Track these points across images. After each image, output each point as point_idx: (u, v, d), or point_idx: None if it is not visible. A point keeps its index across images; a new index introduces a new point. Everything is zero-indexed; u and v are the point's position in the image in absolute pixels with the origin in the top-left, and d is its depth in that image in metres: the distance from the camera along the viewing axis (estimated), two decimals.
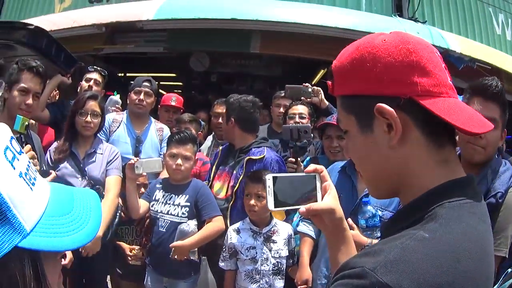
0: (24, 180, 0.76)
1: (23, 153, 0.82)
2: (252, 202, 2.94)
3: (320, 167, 1.19)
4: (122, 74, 10.17)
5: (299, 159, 3.37)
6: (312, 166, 1.19)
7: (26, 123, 2.04)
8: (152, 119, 4.02)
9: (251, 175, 3.05)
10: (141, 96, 3.80)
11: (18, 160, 0.77)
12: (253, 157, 3.27)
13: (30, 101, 2.75)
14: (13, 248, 0.69)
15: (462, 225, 0.79)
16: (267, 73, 8.35)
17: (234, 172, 3.33)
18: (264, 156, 3.25)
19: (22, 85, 2.75)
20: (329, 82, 0.98)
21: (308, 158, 3.55)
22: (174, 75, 10.32)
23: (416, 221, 0.82)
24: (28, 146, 1.99)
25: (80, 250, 2.82)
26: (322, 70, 8.20)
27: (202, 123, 4.55)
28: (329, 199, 1.15)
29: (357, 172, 2.63)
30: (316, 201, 1.16)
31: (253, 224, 3.02)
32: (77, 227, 0.80)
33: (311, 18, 6.39)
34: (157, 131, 3.92)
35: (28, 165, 0.80)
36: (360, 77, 0.88)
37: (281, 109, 4.19)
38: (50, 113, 3.72)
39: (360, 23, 6.45)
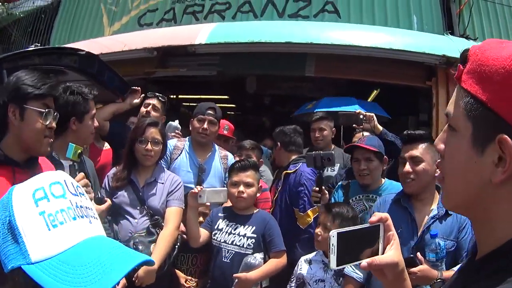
0: (44, 219, 0.81)
1: (65, 198, 0.86)
2: (318, 230, 2.88)
3: (385, 215, 1.13)
4: (174, 96, 10.26)
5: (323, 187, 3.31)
6: (377, 215, 1.12)
7: (79, 151, 2.02)
8: (216, 147, 3.83)
9: (326, 205, 3.00)
10: (205, 125, 3.58)
11: (48, 201, 0.83)
12: (289, 171, 3.70)
13: (97, 123, 2.87)
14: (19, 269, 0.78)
15: None
16: (320, 94, 8.26)
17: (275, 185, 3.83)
18: (297, 169, 3.65)
19: (94, 112, 2.80)
20: (460, 66, 0.84)
21: (340, 183, 3.49)
22: (226, 97, 10.30)
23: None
24: (81, 174, 1.99)
25: (133, 279, 2.74)
26: (375, 91, 8.17)
27: (269, 150, 4.49)
28: (392, 251, 1.09)
29: (413, 203, 2.59)
30: (378, 252, 1.10)
31: (326, 257, 2.88)
32: (83, 281, 0.81)
33: (364, 40, 6.38)
34: (221, 159, 3.73)
35: (61, 210, 0.84)
36: (507, 95, 0.75)
37: (317, 133, 4.27)
38: (110, 128, 3.75)
39: (413, 43, 6.41)
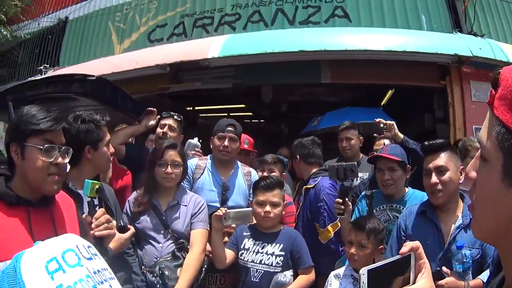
0: None
1: (81, 266, 0.83)
2: (353, 251, 2.78)
3: (416, 244, 1.10)
4: (191, 108, 10.27)
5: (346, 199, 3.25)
6: (408, 246, 1.09)
7: (97, 186, 1.93)
8: (239, 163, 3.75)
9: (355, 222, 2.94)
10: (226, 142, 3.49)
11: (64, 272, 0.79)
12: (308, 186, 3.68)
13: (113, 149, 2.74)
14: None
15: None
16: (336, 99, 8.33)
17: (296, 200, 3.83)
18: (316, 184, 3.63)
19: (108, 138, 2.67)
20: (492, 91, 0.79)
21: (363, 193, 3.43)
22: (243, 106, 10.33)
23: None
24: (101, 211, 1.91)
25: None
26: (390, 91, 8.18)
27: (285, 160, 4.39)
28: (423, 280, 1.06)
29: (438, 214, 2.55)
30: (409, 281, 1.07)
31: (355, 271, 2.84)
32: None
33: (378, 43, 6.40)
34: (244, 175, 3.65)
35: (79, 279, 0.81)
36: None
37: (344, 143, 4.24)
38: (127, 151, 3.68)
39: (425, 44, 6.45)
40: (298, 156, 3.93)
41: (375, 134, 3.85)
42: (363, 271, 1.03)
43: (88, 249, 0.89)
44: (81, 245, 0.88)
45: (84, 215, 1.89)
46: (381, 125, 3.61)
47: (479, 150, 0.84)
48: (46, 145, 1.64)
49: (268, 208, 2.99)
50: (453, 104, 6.72)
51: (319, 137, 4.19)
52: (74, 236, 0.90)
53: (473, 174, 0.87)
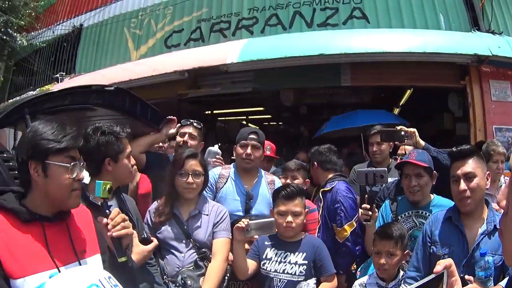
0: None
1: None
2: (383, 261, 2.77)
3: (449, 262, 1.11)
4: (209, 112, 10.30)
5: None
6: (442, 264, 1.10)
7: (108, 186, 1.85)
8: (263, 172, 3.74)
9: (380, 232, 2.91)
10: (248, 150, 3.48)
11: None
12: (325, 189, 3.76)
13: (134, 161, 2.67)
14: None
15: None
16: (356, 100, 8.33)
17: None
18: (333, 187, 3.71)
19: (129, 150, 2.60)
20: None
21: (388, 199, 3.41)
22: (262, 108, 10.32)
23: None
24: (116, 210, 1.86)
25: None
26: (409, 90, 8.15)
27: (303, 164, 4.34)
28: None
29: (464, 220, 2.51)
30: None
31: (380, 279, 2.86)
32: None
33: (397, 45, 6.36)
34: (268, 184, 3.63)
35: None
36: None
37: (375, 148, 4.22)
38: (147, 160, 3.68)
39: (444, 45, 6.41)
40: (316, 162, 4.04)
41: (396, 142, 3.80)
42: None
43: (109, 280, 0.90)
44: (102, 277, 0.89)
45: (98, 218, 1.82)
46: (402, 132, 3.55)
47: (510, 178, 0.84)
48: (72, 163, 1.64)
49: (289, 218, 2.97)
50: (473, 104, 6.66)
51: (323, 140, 4.27)
52: (95, 269, 0.92)
53: (504, 202, 0.88)
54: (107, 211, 1.82)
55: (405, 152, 3.87)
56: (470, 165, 2.52)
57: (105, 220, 1.78)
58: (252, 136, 3.53)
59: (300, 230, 3.10)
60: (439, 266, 1.09)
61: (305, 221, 3.17)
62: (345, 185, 3.75)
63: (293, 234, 3.03)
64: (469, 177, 2.50)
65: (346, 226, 3.52)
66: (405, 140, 3.59)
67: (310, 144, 5.66)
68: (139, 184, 3.61)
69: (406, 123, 4.03)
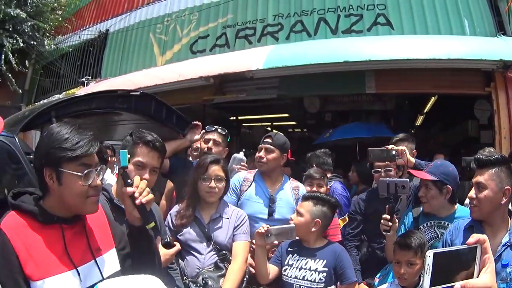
0: None
1: None
2: (403, 270, 2.77)
3: (483, 237, 1.10)
4: (234, 118, 10.37)
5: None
6: (475, 237, 1.10)
7: (129, 156, 1.82)
8: (288, 177, 3.76)
9: (400, 242, 2.89)
10: (261, 153, 3.56)
11: None
12: None
13: (147, 175, 2.41)
14: None
15: None
16: (380, 107, 8.33)
17: None
18: (330, 186, 4.35)
19: (138, 159, 2.43)
20: None
21: (410, 209, 3.38)
22: (287, 115, 10.35)
23: None
24: (137, 177, 1.82)
25: None
26: (433, 98, 8.10)
27: None
28: (486, 276, 1.07)
29: (485, 230, 2.44)
30: (473, 275, 1.08)
31: (401, 286, 2.85)
32: None
33: (422, 52, 6.32)
34: (292, 190, 3.65)
35: None
36: None
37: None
38: (170, 164, 3.72)
39: (470, 51, 6.33)
40: (314, 164, 4.71)
41: (387, 162, 3.67)
42: (429, 253, 1.07)
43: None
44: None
45: (123, 188, 1.78)
46: (394, 152, 3.48)
47: None
48: (86, 171, 1.59)
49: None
50: (498, 111, 6.56)
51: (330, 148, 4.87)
52: (153, 281, 0.89)
53: None
54: (129, 180, 1.78)
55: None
56: (484, 176, 2.48)
57: (130, 189, 1.75)
58: (266, 139, 3.62)
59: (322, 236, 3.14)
60: (472, 239, 1.10)
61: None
62: (340, 185, 4.60)
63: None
64: (479, 187, 2.48)
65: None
66: (396, 160, 3.53)
67: (335, 150, 5.81)
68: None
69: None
